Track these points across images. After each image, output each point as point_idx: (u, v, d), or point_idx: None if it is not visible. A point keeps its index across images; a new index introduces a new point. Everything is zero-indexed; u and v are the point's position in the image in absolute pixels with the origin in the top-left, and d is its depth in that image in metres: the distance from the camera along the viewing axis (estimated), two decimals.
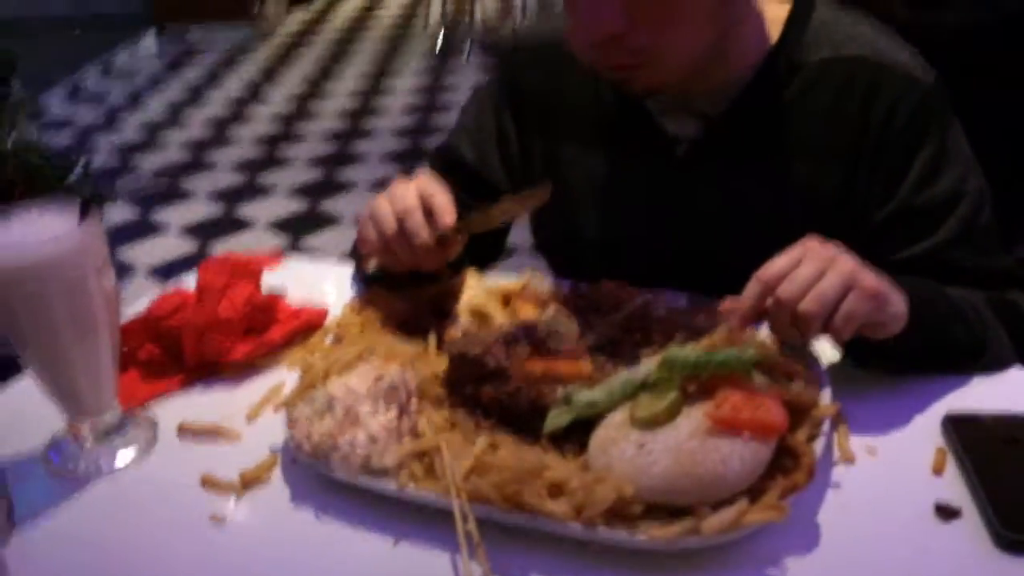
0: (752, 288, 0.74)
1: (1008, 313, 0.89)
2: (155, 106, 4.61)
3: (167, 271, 3.02)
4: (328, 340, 0.91)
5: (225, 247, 3.17)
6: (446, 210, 0.86)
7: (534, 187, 0.88)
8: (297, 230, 3.24)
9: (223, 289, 0.93)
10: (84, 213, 0.76)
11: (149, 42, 5.70)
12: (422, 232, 0.86)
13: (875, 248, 0.81)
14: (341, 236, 3.17)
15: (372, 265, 0.96)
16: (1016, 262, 0.94)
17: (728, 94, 0.92)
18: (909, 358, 0.81)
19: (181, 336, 0.91)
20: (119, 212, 3.33)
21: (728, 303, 0.75)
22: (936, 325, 0.81)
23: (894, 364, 0.82)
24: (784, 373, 0.72)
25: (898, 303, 0.76)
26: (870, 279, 0.74)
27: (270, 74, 4.98)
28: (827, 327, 0.73)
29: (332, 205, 3.42)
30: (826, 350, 0.80)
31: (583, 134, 1.02)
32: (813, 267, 0.72)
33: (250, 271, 0.98)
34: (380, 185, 3.52)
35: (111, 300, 0.81)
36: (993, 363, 0.86)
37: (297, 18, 5.98)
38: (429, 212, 0.87)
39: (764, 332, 0.77)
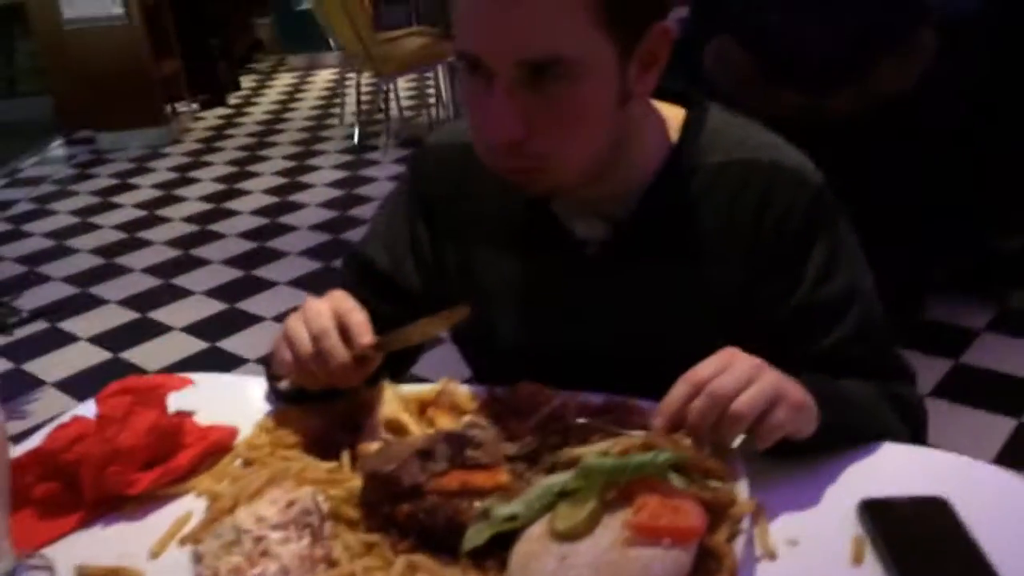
0: (680, 389, 0.75)
1: (897, 404, 0.93)
2: (63, 213, 4.50)
3: (79, 383, 2.90)
4: (237, 464, 0.88)
5: (139, 354, 3.06)
6: (363, 329, 0.85)
7: (452, 298, 0.88)
8: (215, 333, 3.16)
9: (124, 417, 0.89)
10: None
11: (57, 149, 5.60)
12: (339, 353, 0.84)
13: (776, 345, 0.83)
14: (262, 336, 3.10)
15: (285, 384, 0.93)
16: (904, 359, 0.98)
17: (632, 196, 0.94)
18: (817, 451, 0.83)
19: (79, 470, 0.86)
20: (27, 326, 3.20)
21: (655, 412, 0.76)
22: (843, 424, 0.84)
23: (802, 455, 0.84)
24: (701, 471, 0.72)
25: (813, 409, 0.79)
26: (796, 391, 0.77)
27: (183, 176, 4.93)
28: (749, 431, 0.74)
29: (252, 305, 3.36)
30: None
31: (495, 237, 1.02)
32: (742, 372, 0.74)
33: (154, 396, 0.94)
34: (300, 283, 3.49)
35: (1, 442, 0.77)
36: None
37: (209, 121, 5.97)
38: (345, 331, 0.85)
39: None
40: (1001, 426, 2.26)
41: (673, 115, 0.96)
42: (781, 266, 0.92)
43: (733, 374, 0.74)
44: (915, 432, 0.94)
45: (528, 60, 0.79)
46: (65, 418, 0.94)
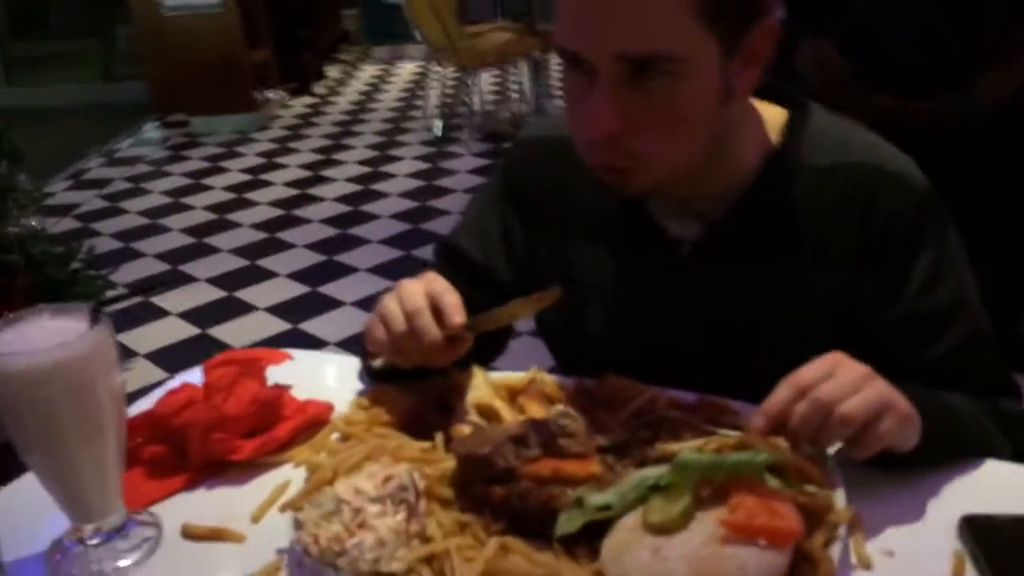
0: (783, 392, 0.74)
1: (1001, 420, 0.90)
2: (157, 193, 4.68)
3: (168, 356, 3.02)
4: (335, 437, 0.90)
5: (225, 331, 3.17)
6: (455, 310, 0.87)
7: (543, 289, 0.88)
8: (297, 314, 3.25)
9: (230, 387, 0.93)
10: (95, 319, 0.76)
11: (152, 131, 5.82)
12: (432, 332, 0.86)
13: (878, 354, 0.81)
14: (341, 320, 3.18)
15: (379, 362, 0.96)
16: (1010, 375, 0.96)
17: (729, 196, 0.93)
18: (918, 464, 0.82)
19: (187, 434, 0.90)
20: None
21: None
22: (946, 438, 0.82)
23: (902, 468, 0.83)
24: (798, 475, 0.72)
25: (917, 422, 0.77)
26: (902, 403, 0.75)
27: (271, 161, 5.07)
28: (852, 439, 0.73)
29: (332, 289, 3.44)
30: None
31: (588, 232, 1.03)
32: (848, 379, 0.73)
33: (255, 368, 0.98)
34: (380, 270, 3.56)
35: (118, 402, 0.81)
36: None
37: (296, 109, 6.12)
38: (437, 311, 0.87)
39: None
40: None
41: (773, 115, 0.94)
42: (885, 272, 0.90)
43: (839, 380, 0.73)
44: (1019, 448, 0.91)
45: (629, 55, 0.78)
46: (175, 383, 0.99)
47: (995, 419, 0.90)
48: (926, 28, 2.21)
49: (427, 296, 0.88)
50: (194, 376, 1.00)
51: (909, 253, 0.90)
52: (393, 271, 3.54)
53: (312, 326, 3.16)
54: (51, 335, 0.74)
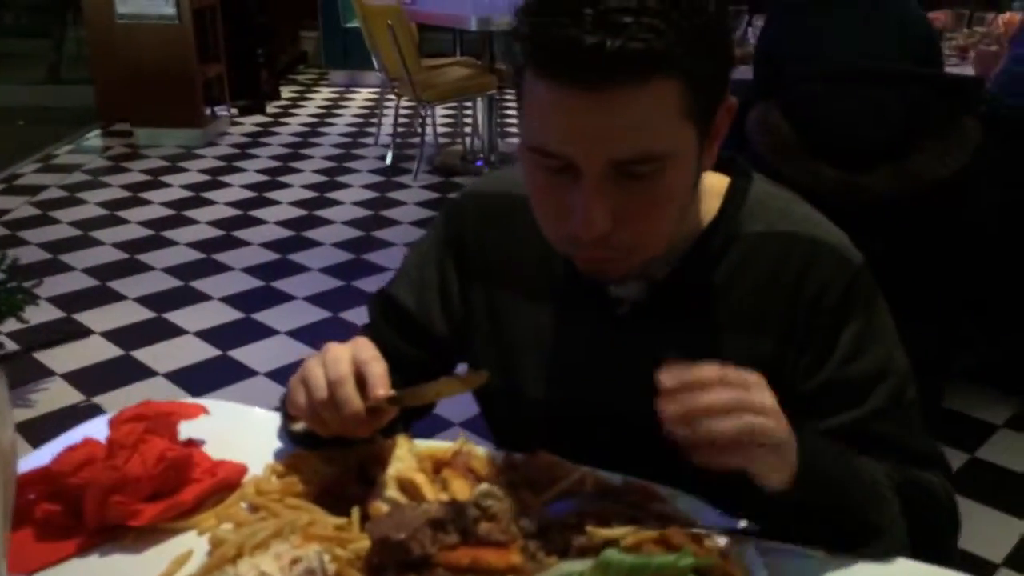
0: (667, 380, 0.76)
1: (917, 492, 0.90)
2: (92, 204, 4.54)
3: (87, 377, 2.90)
4: (244, 507, 0.86)
5: (149, 355, 3.06)
6: (380, 381, 0.84)
7: (478, 346, 0.86)
8: (228, 341, 3.15)
9: (135, 445, 0.87)
10: None
11: (94, 139, 5.66)
12: (353, 403, 0.83)
13: (802, 417, 0.82)
14: (274, 349, 3.09)
15: (300, 426, 0.92)
16: (936, 447, 0.95)
17: (670, 259, 0.94)
18: (796, 513, 0.81)
19: (83, 495, 0.84)
20: (43, 313, 3.20)
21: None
22: (826, 481, 0.82)
23: (782, 520, 0.82)
24: None
25: (788, 452, 0.78)
26: (780, 424, 0.76)
27: (214, 179, 4.96)
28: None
29: (267, 317, 3.36)
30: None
31: (528, 289, 1.02)
32: (737, 398, 0.74)
33: (167, 423, 0.93)
34: (318, 299, 3.49)
35: (9, 460, 0.75)
36: (882, 551, 0.85)
37: (245, 127, 6.03)
38: (362, 380, 0.84)
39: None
40: (1013, 527, 2.21)
41: (718, 182, 0.96)
42: (813, 341, 0.91)
43: (725, 396, 0.73)
44: (940, 522, 0.91)
45: (622, 160, 0.78)
46: (76, 438, 0.93)
47: (909, 488, 0.89)
48: (875, 106, 2.28)
49: (353, 363, 0.85)
50: (99, 430, 0.94)
51: (838, 324, 0.91)
52: (332, 301, 3.47)
53: (242, 354, 3.07)
54: None
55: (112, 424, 0.91)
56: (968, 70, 3.18)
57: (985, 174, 2.34)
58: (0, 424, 0.73)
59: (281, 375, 2.86)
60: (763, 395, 0.76)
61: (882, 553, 0.84)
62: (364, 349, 0.87)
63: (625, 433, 0.91)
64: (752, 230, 0.93)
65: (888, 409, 0.91)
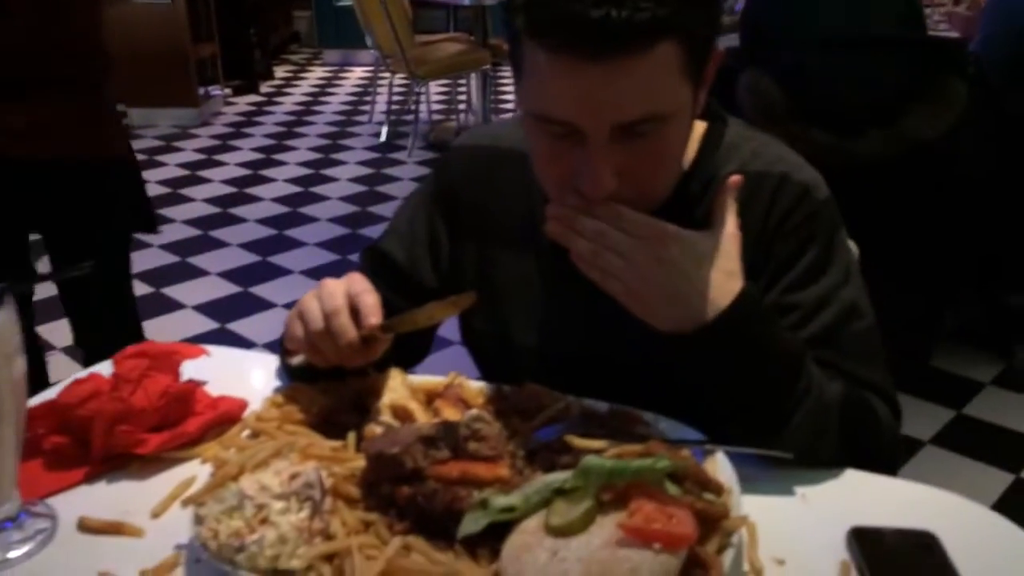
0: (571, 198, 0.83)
1: (858, 411, 0.91)
2: None
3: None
4: (245, 435, 0.89)
5: (149, 328, 3.08)
6: (372, 311, 0.87)
7: (460, 293, 0.89)
8: (226, 314, 3.19)
9: (139, 379, 0.91)
10: None
11: None
12: (348, 331, 0.86)
13: None
14: (271, 322, 3.13)
15: (297, 360, 0.95)
16: (888, 382, 0.96)
17: (650, 208, 0.96)
18: (711, 371, 0.86)
19: (90, 425, 0.88)
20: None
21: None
22: (754, 350, 0.85)
23: (696, 372, 0.86)
24: (697, 482, 0.73)
25: (683, 303, 0.84)
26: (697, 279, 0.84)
27: (209, 158, 4.97)
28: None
29: (264, 291, 3.39)
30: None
31: (515, 239, 1.04)
32: (651, 254, 0.83)
33: (170, 361, 0.96)
34: (315, 273, 3.52)
35: (19, 389, 0.79)
36: (804, 450, 0.86)
37: (240, 107, 6.03)
38: (356, 312, 0.87)
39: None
40: (999, 479, 2.26)
41: (695, 127, 0.97)
42: (769, 264, 0.94)
43: (631, 247, 0.82)
44: (877, 449, 0.92)
45: (627, 123, 0.80)
46: (82, 374, 0.96)
47: (852, 404, 0.90)
48: (864, 71, 2.30)
49: (347, 296, 0.88)
50: (104, 368, 0.98)
51: (794, 252, 0.94)
52: (329, 274, 3.39)
53: (240, 326, 3.11)
54: None
55: (116, 361, 0.94)
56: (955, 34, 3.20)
57: (972, 134, 2.36)
58: (11, 353, 0.77)
59: (277, 347, 2.88)
60: (656, 247, 0.83)
61: (807, 453, 0.86)
62: (357, 283, 0.90)
63: (612, 376, 0.94)
64: (727, 171, 0.95)
65: (826, 338, 0.92)
